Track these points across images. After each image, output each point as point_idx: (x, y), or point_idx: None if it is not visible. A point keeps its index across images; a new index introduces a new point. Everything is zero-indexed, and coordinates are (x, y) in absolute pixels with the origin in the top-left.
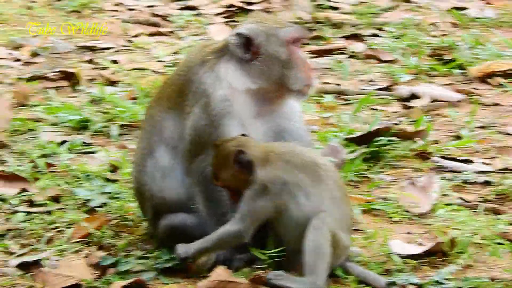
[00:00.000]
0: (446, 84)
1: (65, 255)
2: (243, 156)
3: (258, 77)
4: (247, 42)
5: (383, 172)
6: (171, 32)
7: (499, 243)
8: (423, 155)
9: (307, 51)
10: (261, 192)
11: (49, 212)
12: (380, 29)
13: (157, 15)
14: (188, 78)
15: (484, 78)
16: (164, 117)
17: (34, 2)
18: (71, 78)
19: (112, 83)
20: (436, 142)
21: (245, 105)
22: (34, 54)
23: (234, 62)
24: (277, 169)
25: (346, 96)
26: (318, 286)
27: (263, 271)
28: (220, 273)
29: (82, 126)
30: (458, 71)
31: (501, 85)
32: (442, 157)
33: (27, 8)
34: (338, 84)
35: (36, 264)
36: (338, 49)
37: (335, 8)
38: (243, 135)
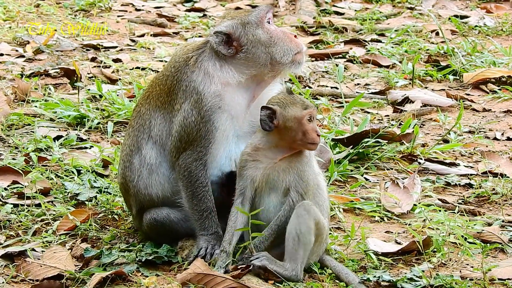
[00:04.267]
0: (440, 90)
1: (50, 246)
2: None
3: (247, 67)
4: (227, 39)
5: (368, 173)
6: (177, 33)
7: (472, 243)
8: (410, 157)
9: (308, 55)
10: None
11: (38, 205)
12: (381, 35)
13: (164, 16)
14: (176, 78)
15: (478, 85)
16: (152, 115)
17: (42, 0)
18: (71, 75)
19: (113, 81)
20: (424, 145)
21: (234, 98)
22: (38, 51)
23: (218, 58)
24: None
25: (341, 99)
26: (297, 273)
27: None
28: (198, 265)
29: (79, 122)
30: (453, 77)
31: (494, 91)
32: (428, 159)
33: (35, 6)
34: (335, 88)
35: (21, 254)
36: (339, 53)
37: (340, 14)
38: None
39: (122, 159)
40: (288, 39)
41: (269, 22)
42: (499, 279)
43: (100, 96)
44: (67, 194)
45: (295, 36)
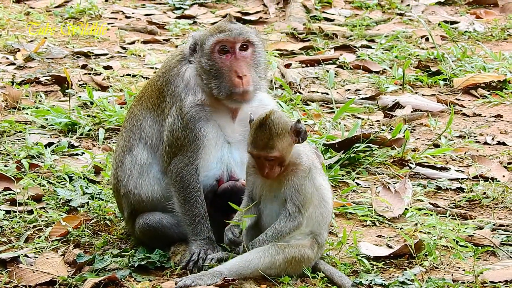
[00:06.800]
0: (431, 95)
1: (43, 252)
2: (301, 125)
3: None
4: (195, 46)
5: (359, 177)
6: (167, 40)
7: (464, 246)
8: (401, 162)
9: (298, 61)
10: (307, 175)
11: (30, 211)
12: (371, 41)
13: (154, 23)
14: (166, 80)
15: (468, 90)
16: (144, 116)
17: (32, 8)
18: (62, 83)
19: (104, 88)
20: (414, 150)
21: (217, 108)
22: (29, 59)
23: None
24: (308, 150)
25: (331, 105)
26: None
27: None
28: None
29: (70, 129)
30: (443, 82)
31: (484, 96)
32: (419, 164)
33: (25, 14)
34: (325, 93)
35: (14, 261)
36: (329, 59)
37: (330, 20)
38: None
39: (114, 159)
40: (228, 77)
41: (223, 52)
42: (490, 282)
43: (91, 103)
44: (59, 201)
45: (240, 76)
